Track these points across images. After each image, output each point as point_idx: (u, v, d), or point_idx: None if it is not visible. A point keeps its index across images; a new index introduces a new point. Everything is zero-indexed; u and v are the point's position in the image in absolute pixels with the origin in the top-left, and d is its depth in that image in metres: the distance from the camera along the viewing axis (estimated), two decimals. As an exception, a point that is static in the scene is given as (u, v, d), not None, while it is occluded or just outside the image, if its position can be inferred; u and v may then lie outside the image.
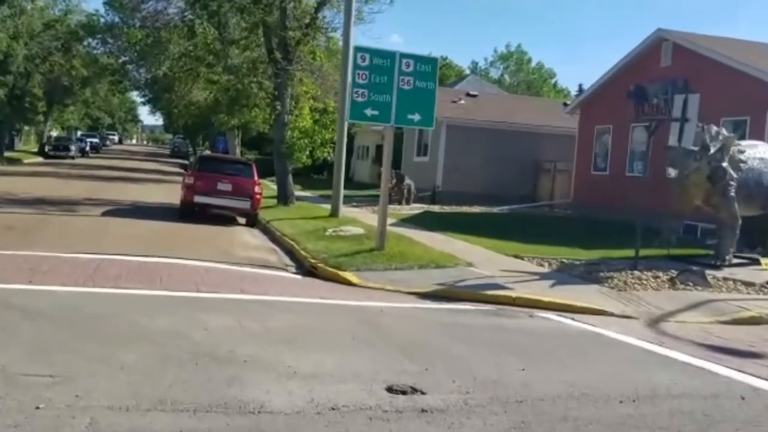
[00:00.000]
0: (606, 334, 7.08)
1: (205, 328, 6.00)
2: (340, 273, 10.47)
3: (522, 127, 27.40)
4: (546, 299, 8.95)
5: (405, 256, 11.50)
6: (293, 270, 11.36)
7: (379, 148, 39.47)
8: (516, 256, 12.59)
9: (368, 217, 19.34)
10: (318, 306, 7.70)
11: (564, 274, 11.08)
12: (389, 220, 18.50)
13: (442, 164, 27.17)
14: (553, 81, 60.97)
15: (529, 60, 60.47)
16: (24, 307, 6.27)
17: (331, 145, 20.99)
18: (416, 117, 12.00)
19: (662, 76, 20.44)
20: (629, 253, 13.63)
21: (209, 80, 20.96)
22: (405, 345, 5.95)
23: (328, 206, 19.63)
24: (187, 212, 16.76)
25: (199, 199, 16.41)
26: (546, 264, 12.01)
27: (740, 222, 12.51)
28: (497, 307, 8.48)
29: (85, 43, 39.64)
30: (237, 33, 20.64)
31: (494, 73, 60.92)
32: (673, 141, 18.50)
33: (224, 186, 16.58)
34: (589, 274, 11.05)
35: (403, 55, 11.83)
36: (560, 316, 8.17)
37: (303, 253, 12.20)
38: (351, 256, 11.45)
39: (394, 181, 24.60)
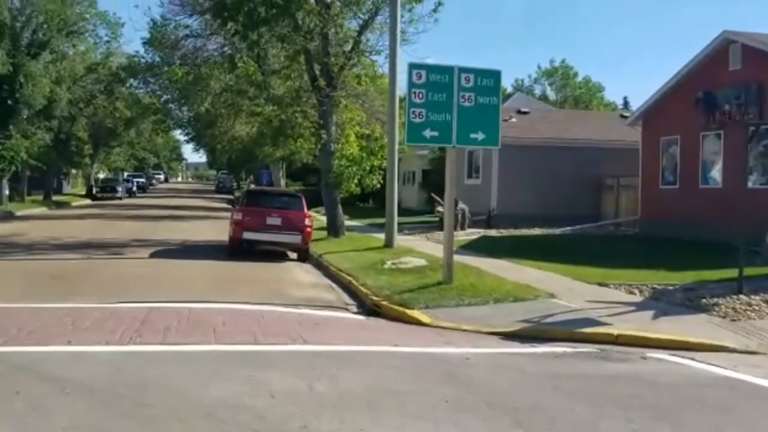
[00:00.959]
0: (747, 380, 5.85)
1: (270, 395, 5.01)
2: (408, 312, 9.41)
3: (579, 142, 26.07)
4: (653, 335, 7.72)
5: (477, 289, 10.38)
6: (354, 309, 10.34)
7: (426, 173, 38.50)
8: (600, 284, 11.33)
9: (425, 245, 18.28)
10: (393, 356, 6.64)
11: (661, 303, 9.79)
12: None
13: (497, 186, 25.98)
14: (601, 95, 59.24)
15: (576, 74, 58.95)
16: (60, 378, 5.38)
17: (380, 171, 20.10)
18: (480, 136, 10.96)
19: (732, 80, 19.07)
20: (724, 273, 12.27)
21: (252, 112, 20.31)
22: (513, 408, 4.85)
23: (381, 236, 18.63)
24: (237, 249, 15.95)
25: (248, 235, 15.60)
26: (637, 291, 10.73)
27: None
28: (599, 348, 7.29)
29: (128, 84, 39.82)
30: (278, 63, 19.98)
31: (538, 91, 59.56)
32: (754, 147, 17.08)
33: (273, 220, 15.75)
34: (690, 302, 9.76)
35: (462, 70, 10.83)
36: (675, 355, 6.95)
37: (363, 289, 11.18)
38: (416, 292, 10.38)
39: (447, 206, 23.58)
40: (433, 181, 34.02)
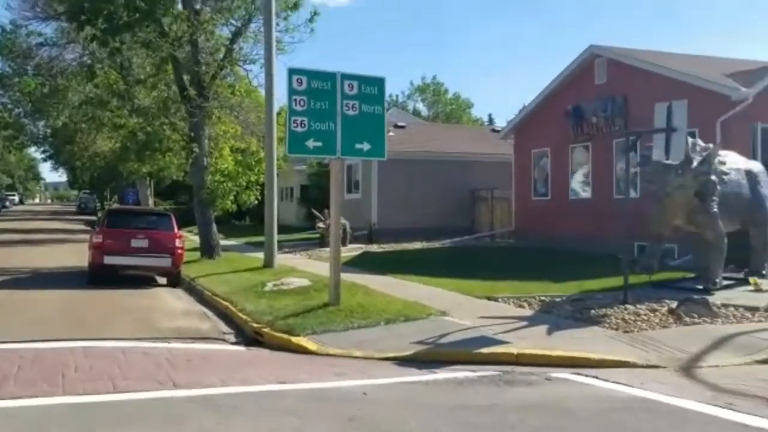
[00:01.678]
0: (659, 400, 5.52)
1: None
2: (293, 339, 8.59)
3: (455, 156, 26.27)
4: (554, 353, 7.35)
5: (366, 310, 9.71)
6: (233, 339, 9.37)
7: (305, 188, 37.56)
8: (489, 298, 11.01)
9: (307, 264, 17.46)
10: (282, 397, 5.80)
11: (552, 316, 9.55)
12: (327, 266, 16.73)
13: (377, 200, 25.61)
14: (470, 111, 60.91)
15: (446, 91, 60.27)
16: None
17: (258, 187, 19.10)
18: (365, 146, 10.35)
19: (599, 93, 19.76)
20: (605, 283, 12.38)
21: (115, 125, 18.64)
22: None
23: (260, 255, 17.61)
24: (98, 276, 14.39)
25: (110, 260, 14.09)
26: (526, 304, 10.47)
27: (726, 240, 11.43)
28: (501, 370, 6.80)
29: (-27, 96, 36.08)
30: (143, 72, 18.52)
31: (410, 106, 60.31)
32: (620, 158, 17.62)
33: (139, 242, 14.36)
34: (580, 314, 9.58)
35: (345, 76, 10.20)
36: (579, 374, 6.59)
37: (242, 315, 10.22)
38: (302, 316, 9.56)
39: (328, 221, 22.83)
40: (312, 196, 33.23)
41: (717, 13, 74.37)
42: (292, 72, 9.90)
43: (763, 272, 12.39)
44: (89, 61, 18.38)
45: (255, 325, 9.50)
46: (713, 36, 74.68)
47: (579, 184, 20.65)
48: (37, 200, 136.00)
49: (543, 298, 10.81)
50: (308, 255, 20.81)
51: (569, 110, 20.38)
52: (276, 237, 16.49)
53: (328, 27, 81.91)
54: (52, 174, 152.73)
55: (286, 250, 21.83)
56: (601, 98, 19.28)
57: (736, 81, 16.21)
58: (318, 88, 9.98)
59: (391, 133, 27.50)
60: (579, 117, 20.10)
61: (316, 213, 23.34)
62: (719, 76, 16.82)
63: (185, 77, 17.68)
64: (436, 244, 23.10)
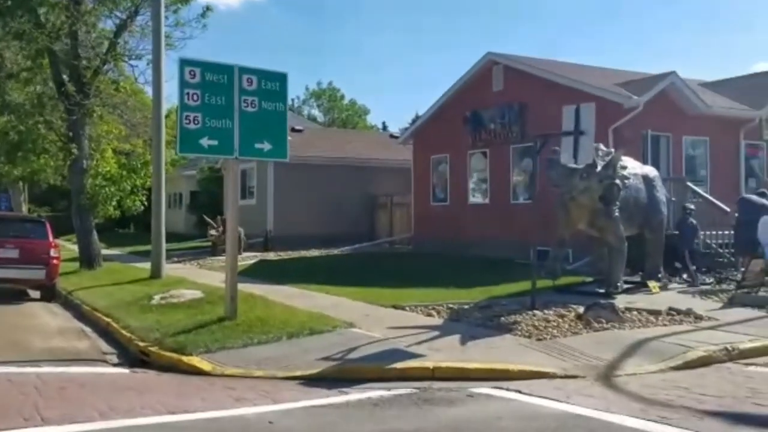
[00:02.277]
0: (591, 416, 5.19)
1: None
2: (184, 359, 7.74)
3: (354, 161, 25.79)
4: (471, 366, 6.93)
5: (266, 324, 8.97)
6: (115, 360, 8.38)
7: (194, 195, 35.90)
8: (395, 307, 10.53)
9: (199, 274, 16.39)
10: (172, 430, 5.01)
11: (462, 324, 9.19)
12: (220, 276, 15.76)
13: (273, 206, 24.69)
14: (366, 117, 60.74)
15: (342, 96, 59.80)
16: None
17: (144, 192, 17.81)
18: (266, 146, 9.62)
19: (496, 101, 19.88)
20: (510, 288, 12.26)
21: (-20, 123, 16.84)
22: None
23: (145, 266, 16.40)
24: (-42, 291, 12.80)
25: (-28, 272, 12.52)
26: (434, 313, 10.08)
27: (626, 243, 11.55)
28: (418, 387, 6.30)
29: None
30: (15, 65, 16.79)
31: (306, 111, 59.46)
32: (517, 164, 17.71)
33: (8, 252, 12.86)
34: (490, 321, 9.28)
35: (243, 70, 9.42)
36: (501, 389, 6.19)
37: (125, 333, 9.21)
38: (194, 332, 8.69)
39: (221, 229, 21.72)
40: (202, 203, 31.82)
41: (623, 28, 78.24)
42: (184, 63, 9.02)
43: (659, 275, 12.65)
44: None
45: (140, 343, 8.55)
46: (618, 50, 78.34)
47: (477, 190, 20.69)
48: None
49: (451, 305, 10.46)
50: (199, 264, 19.67)
51: (467, 116, 20.39)
52: (164, 245, 15.37)
53: (220, 29, 79.59)
54: None
55: (175, 259, 20.59)
56: (499, 105, 19.40)
57: (628, 90, 16.67)
58: (213, 82, 9.16)
59: (288, 137, 26.68)
60: (477, 123, 20.15)
61: (208, 219, 22.19)
62: (612, 86, 17.27)
63: (63, 72, 16.18)
64: (335, 251, 22.53)
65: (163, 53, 14.99)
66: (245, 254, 22.00)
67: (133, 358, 8.38)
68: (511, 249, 18.29)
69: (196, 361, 7.65)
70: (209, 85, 9.14)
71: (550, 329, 8.73)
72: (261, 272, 16.77)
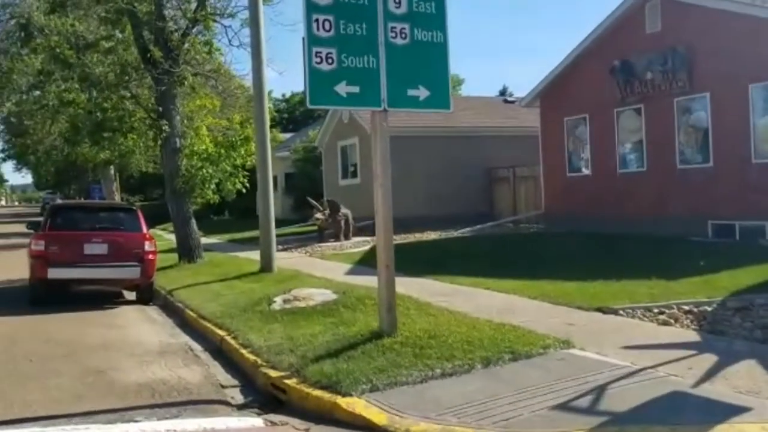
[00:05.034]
0: None
1: None
2: (342, 402, 5.18)
3: (467, 130, 22.78)
4: None
5: (440, 342, 6.28)
6: (239, 399, 5.90)
7: (289, 176, 33.83)
8: (602, 310, 7.64)
9: (312, 264, 14.01)
10: None
11: (738, 341, 6.19)
12: (339, 266, 13.28)
13: (380, 185, 21.99)
14: (460, 88, 57.30)
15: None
16: None
17: (245, 172, 15.52)
18: (422, 93, 6.88)
19: (653, 44, 16.45)
20: (739, 277, 9.09)
21: (62, 101, 14.85)
22: None
23: (249, 255, 14.23)
24: (42, 295, 10.78)
25: (56, 272, 10.41)
26: (671, 320, 7.09)
27: None
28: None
29: None
30: (94, 32, 14.72)
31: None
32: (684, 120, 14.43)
33: (96, 248, 10.73)
34: (770, 332, 6.26)
35: (389, -14, 6.70)
36: None
37: (248, 354, 6.76)
38: (345, 357, 6.10)
39: (327, 212, 19.32)
40: (299, 185, 29.67)
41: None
42: (309, -24, 6.35)
43: None
44: (23, 21, 14.55)
45: (272, 372, 6.06)
46: None
47: (630, 155, 17.33)
48: (2, 202, 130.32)
49: (684, 307, 7.46)
50: (307, 252, 17.31)
51: (615, 66, 17.00)
52: (274, 233, 13.01)
53: None
54: (14, 175, 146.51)
55: (280, 247, 18.25)
56: (659, 49, 15.94)
57: None
58: (350, 2, 6.48)
59: (390, 108, 24.07)
60: (628, 74, 16.74)
61: (313, 202, 19.79)
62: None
63: (148, 37, 13.99)
64: (455, 234, 19.71)
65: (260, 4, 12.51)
66: (355, 239, 19.60)
67: (263, 393, 5.92)
68: (679, 225, 15.00)
69: (360, 405, 5.07)
70: (345, 7, 6.46)
71: None
72: (381, 260, 14.20)
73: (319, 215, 18.94)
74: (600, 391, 4.92)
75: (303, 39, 6.31)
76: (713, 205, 14.90)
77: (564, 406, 4.73)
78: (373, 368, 5.68)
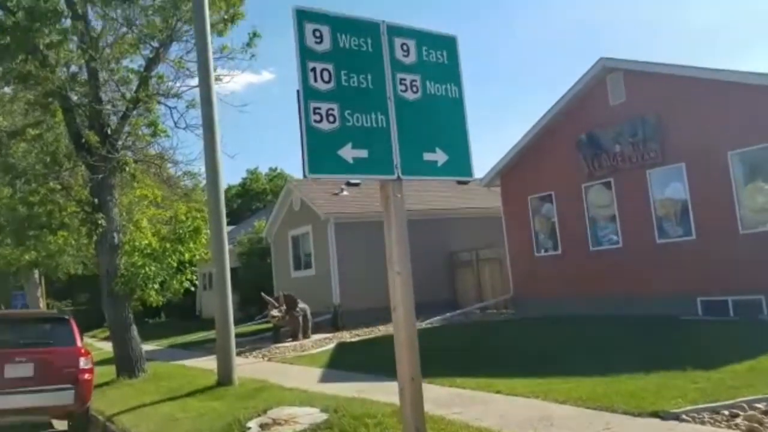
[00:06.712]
0: None
1: None
2: None
3: (426, 214, 21.70)
4: None
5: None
6: None
7: (234, 271, 31.69)
8: (659, 416, 6.23)
9: (276, 371, 12.20)
10: None
11: None
12: (309, 372, 11.58)
13: (337, 276, 20.49)
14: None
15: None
16: None
17: (193, 268, 13.81)
18: (440, 157, 5.58)
19: (617, 116, 15.95)
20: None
21: (-22, 196, 12.97)
22: None
23: (199, 363, 12.47)
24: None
25: (-34, 403, 8.36)
26: (759, 424, 5.76)
27: None
28: None
29: None
30: (21, 119, 13.08)
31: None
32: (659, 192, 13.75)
33: (18, 369, 8.73)
34: None
35: (394, 30, 5.51)
36: None
37: None
38: None
39: (284, 308, 17.53)
40: (245, 280, 27.69)
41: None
42: (302, 16, 5.07)
43: None
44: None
45: None
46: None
47: (603, 231, 16.48)
48: None
49: (758, 405, 6.16)
50: (265, 356, 15.40)
51: (581, 140, 16.42)
52: (233, 338, 11.22)
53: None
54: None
55: (232, 350, 16.32)
56: (626, 120, 15.43)
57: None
58: (352, 49, 5.23)
59: (344, 192, 22.86)
60: (595, 147, 16.16)
61: (267, 297, 17.99)
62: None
63: (81, 121, 12.44)
64: (423, 325, 18.19)
65: (211, 65, 11.25)
66: (315, 336, 17.80)
67: None
68: (663, 303, 14.05)
69: None
70: (346, 55, 5.19)
71: None
72: (352, 361, 12.61)
73: (275, 312, 17.14)
74: None
75: (297, 92, 4.97)
76: (701, 281, 14.04)
77: None
78: None
